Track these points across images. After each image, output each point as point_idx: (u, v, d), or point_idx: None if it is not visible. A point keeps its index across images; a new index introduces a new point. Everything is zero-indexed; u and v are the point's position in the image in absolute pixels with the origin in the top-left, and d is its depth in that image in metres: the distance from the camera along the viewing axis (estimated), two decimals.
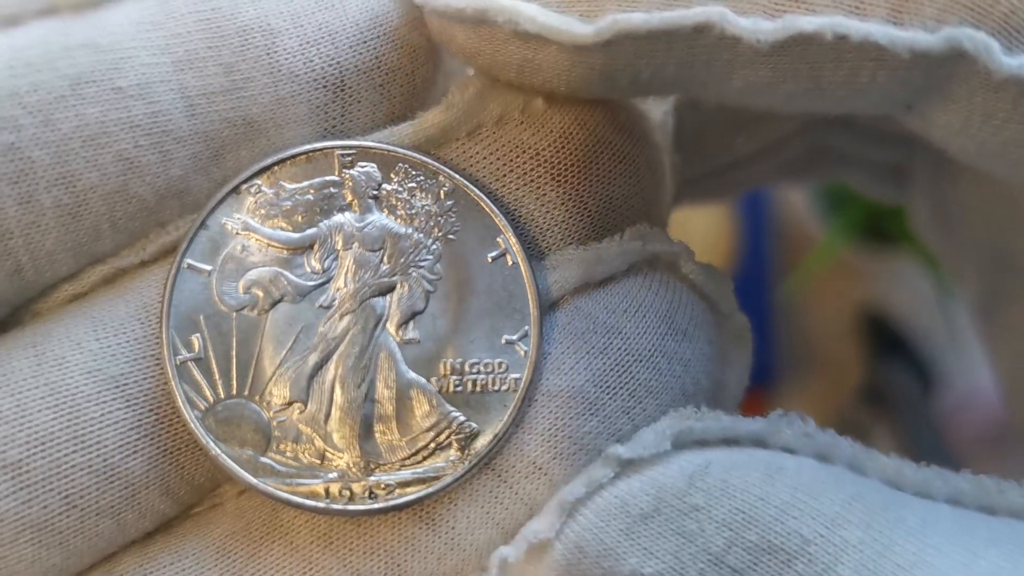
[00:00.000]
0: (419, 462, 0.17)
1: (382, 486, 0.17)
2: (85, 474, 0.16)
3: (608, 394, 0.17)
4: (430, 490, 0.17)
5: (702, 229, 0.52)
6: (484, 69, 0.17)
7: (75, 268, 0.17)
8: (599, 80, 0.16)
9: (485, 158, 0.18)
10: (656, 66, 0.16)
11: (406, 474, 0.17)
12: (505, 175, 0.18)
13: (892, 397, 0.49)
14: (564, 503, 0.16)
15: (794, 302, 0.52)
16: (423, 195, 0.17)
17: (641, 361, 0.18)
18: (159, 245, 0.17)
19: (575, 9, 0.15)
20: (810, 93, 0.16)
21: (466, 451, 0.17)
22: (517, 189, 0.18)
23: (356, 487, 0.17)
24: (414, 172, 0.17)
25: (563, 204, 0.18)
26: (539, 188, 0.18)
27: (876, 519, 0.16)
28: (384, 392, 0.17)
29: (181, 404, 0.17)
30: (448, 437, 0.17)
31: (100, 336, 0.16)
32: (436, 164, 0.17)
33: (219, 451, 0.17)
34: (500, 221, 0.17)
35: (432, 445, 0.17)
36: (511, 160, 0.18)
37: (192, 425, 0.17)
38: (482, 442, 0.17)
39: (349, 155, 0.17)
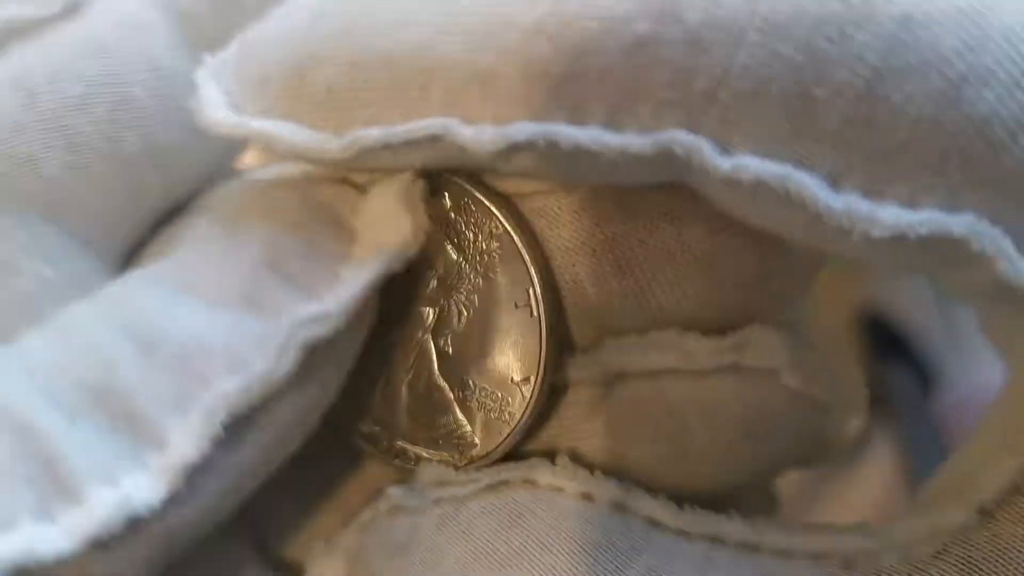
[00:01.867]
0: (433, 450, 0.20)
1: (406, 452, 0.20)
2: None
3: (665, 471, 0.18)
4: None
5: None
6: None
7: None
8: (382, 172, 0.17)
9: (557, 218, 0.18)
10: (419, 160, 0.16)
11: (422, 452, 0.20)
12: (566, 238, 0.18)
13: (892, 397, 0.49)
14: (352, 531, 0.19)
15: None
16: (476, 231, 0.19)
17: (702, 458, 0.18)
18: None
19: (329, 124, 0.16)
20: (576, 175, 0.16)
21: (464, 455, 0.19)
22: (568, 253, 0.18)
23: (385, 443, 0.20)
24: (475, 208, 0.19)
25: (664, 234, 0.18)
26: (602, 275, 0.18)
27: (598, 568, 0.16)
28: (419, 385, 0.19)
29: None
30: (455, 440, 0.19)
31: None
32: (494, 208, 0.18)
33: None
34: (532, 273, 0.18)
35: (441, 441, 0.19)
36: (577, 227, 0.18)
37: None
38: (477, 452, 0.19)
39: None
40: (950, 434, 0.47)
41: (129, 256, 0.20)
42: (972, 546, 0.15)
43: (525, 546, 0.17)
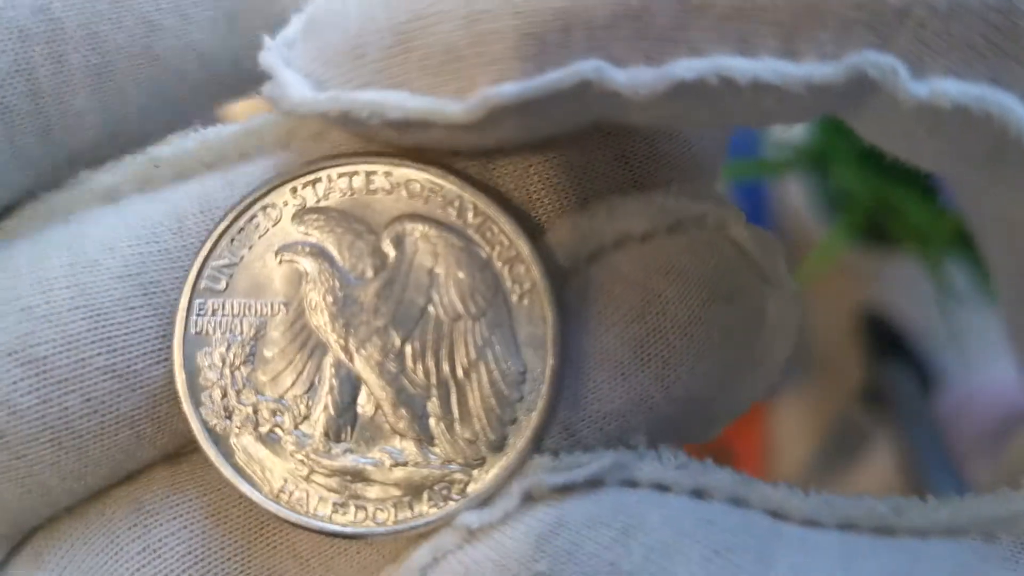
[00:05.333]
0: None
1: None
2: (108, 378, 0.16)
3: (641, 362, 0.17)
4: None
5: None
6: (385, 145, 0.17)
7: (102, 135, 0.18)
8: (498, 142, 0.16)
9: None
10: (552, 121, 0.15)
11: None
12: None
13: (892, 398, 0.49)
14: (411, 570, 0.15)
15: None
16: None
17: (678, 329, 0.17)
18: (195, 159, 0.18)
19: (446, 89, 0.14)
20: (720, 119, 0.15)
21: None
22: (563, 145, 0.17)
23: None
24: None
25: (604, 155, 0.17)
26: (583, 143, 0.17)
27: (740, 574, 0.15)
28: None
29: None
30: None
31: (133, 243, 0.16)
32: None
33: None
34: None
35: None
36: None
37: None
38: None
39: None
40: (950, 434, 0.47)
41: None
42: None
43: (648, 561, 0.15)
